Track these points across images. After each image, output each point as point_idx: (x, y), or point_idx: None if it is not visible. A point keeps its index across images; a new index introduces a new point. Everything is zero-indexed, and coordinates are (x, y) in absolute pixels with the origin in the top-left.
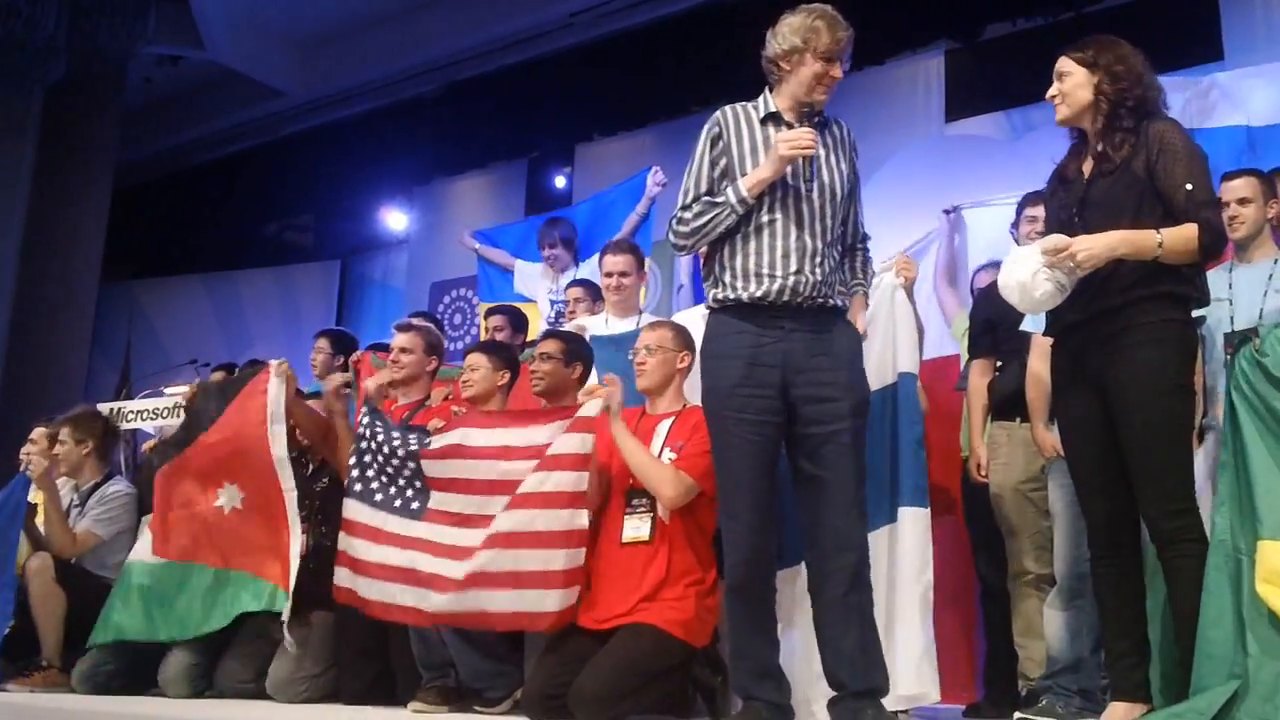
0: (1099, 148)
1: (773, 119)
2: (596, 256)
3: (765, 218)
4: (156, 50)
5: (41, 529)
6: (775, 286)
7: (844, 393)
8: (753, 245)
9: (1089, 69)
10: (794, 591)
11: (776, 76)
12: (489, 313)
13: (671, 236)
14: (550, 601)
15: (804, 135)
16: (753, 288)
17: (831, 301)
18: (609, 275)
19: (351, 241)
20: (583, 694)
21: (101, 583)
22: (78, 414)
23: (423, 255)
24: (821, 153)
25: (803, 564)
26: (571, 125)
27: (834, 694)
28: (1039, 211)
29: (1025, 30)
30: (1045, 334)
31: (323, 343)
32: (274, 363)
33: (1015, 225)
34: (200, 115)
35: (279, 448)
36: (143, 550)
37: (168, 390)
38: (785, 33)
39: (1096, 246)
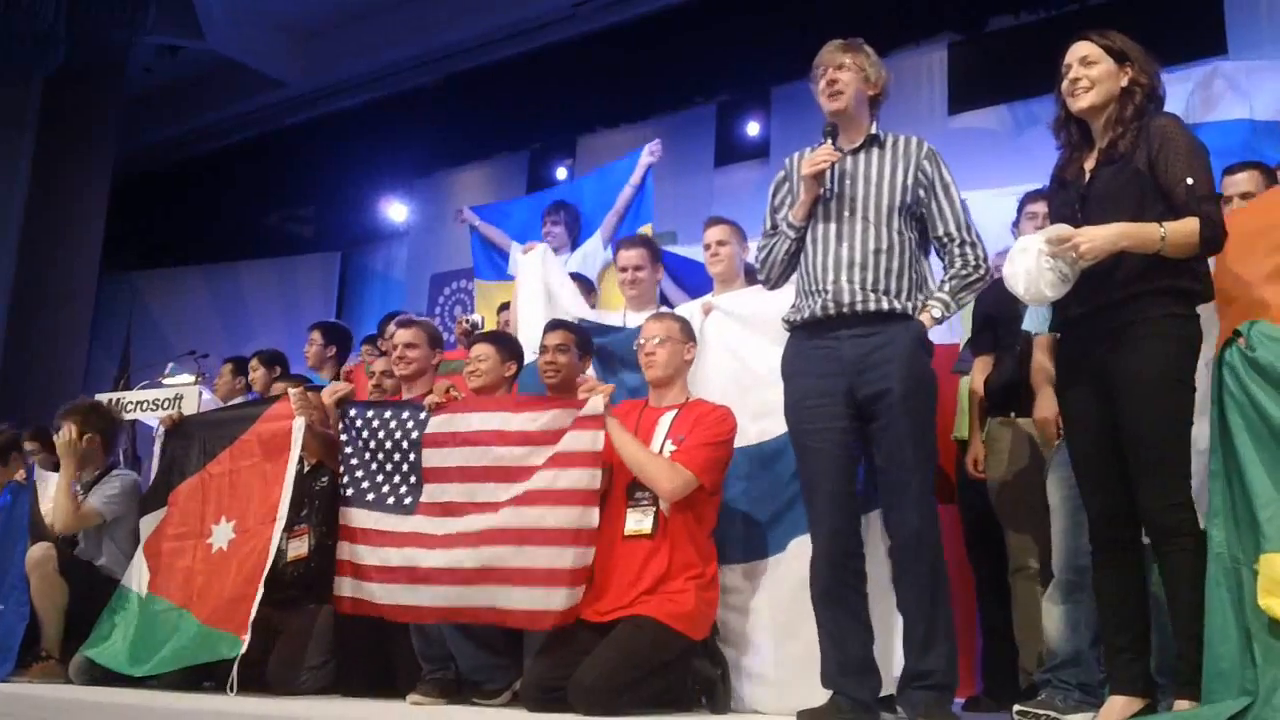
0: (1107, 140)
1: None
2: (597, 239)
3: (810, 237)
4: (156, 40)
5: (44, 511)
6: (818, 303)
7: (897, 383)
8: (804, 265)
9: (1118, 60)
10: (754, 586)
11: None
12: (501, 307)
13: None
14: (557, 600)
15: (819, 153)
16: (804, 308)
17: (883, 306)
18: (624, 270)
19: (352, 233)
20: (582, 686)
21: (102, 575)
22: (83, 407)
23: (423, 247)
24: (860, 169)
25: (768, 559)
26: (573, 117)
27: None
28: (1040, 208)
29: (1028, 23)
30: (1050, 328)
31: (315, 335)
32: (293, 394)
33: (1016, 223)
34: (200, 106)
35: (290, 477)
36: (140, 580)
37: (166, 381)
38: None
39: (1100, 238)
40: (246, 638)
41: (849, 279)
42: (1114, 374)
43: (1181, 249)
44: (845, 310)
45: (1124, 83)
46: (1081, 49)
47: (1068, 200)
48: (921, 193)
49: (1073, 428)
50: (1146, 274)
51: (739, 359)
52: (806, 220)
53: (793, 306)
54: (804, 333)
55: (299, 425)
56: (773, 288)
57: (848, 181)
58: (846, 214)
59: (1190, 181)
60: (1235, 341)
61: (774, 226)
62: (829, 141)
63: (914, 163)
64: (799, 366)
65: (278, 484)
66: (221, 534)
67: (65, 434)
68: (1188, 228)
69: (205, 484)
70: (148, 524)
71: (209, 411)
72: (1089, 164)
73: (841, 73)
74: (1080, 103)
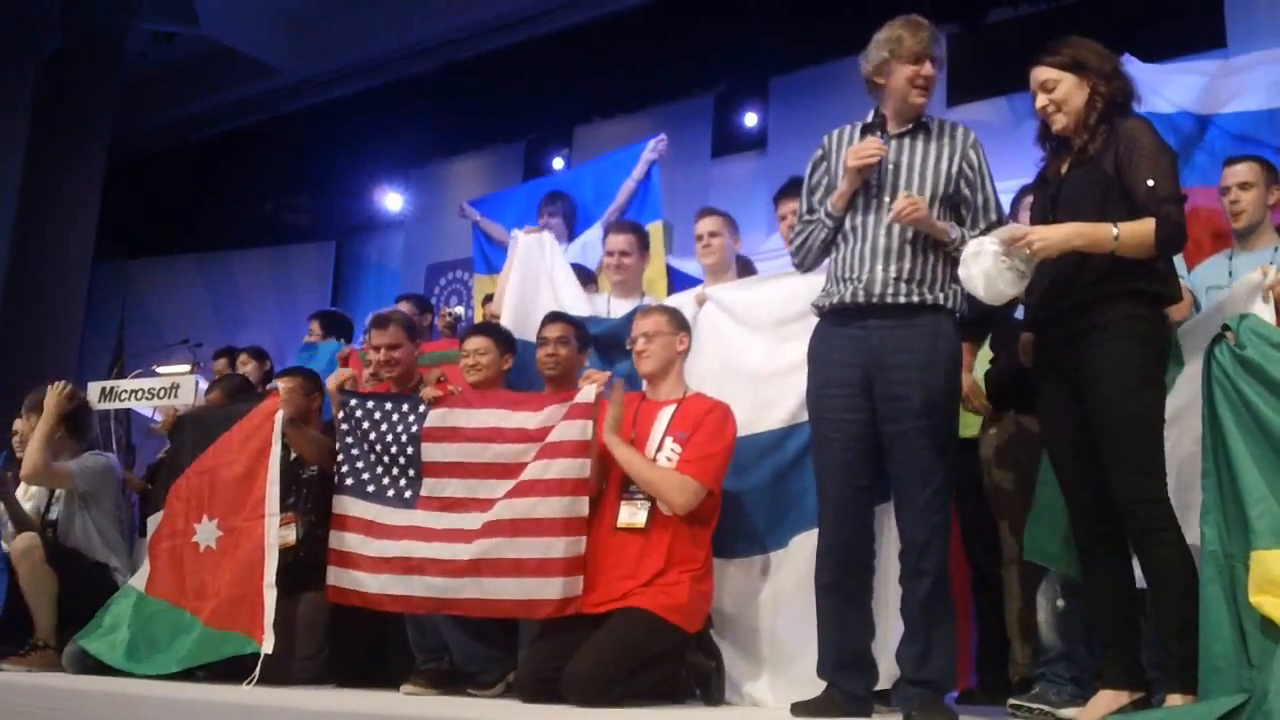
0: (1078, 145)
1: (869, 130)
2: (597, 230)
3: (849, 224)
4: (151, 26)
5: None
6: (849, 290)
7: (916, 390)
8: (840, 252)
9: (1076, 73)
10: (754, 581)
11: (877, 94)
12: (486, 299)
13: (790, 257)
14: (551, 589)
15: (867, 146)
16: (835, 293)
17: (913, 299)
18: (610, 254)
19: (347, 222)
20: (576, 678)
21: (90, 560)
22: (40, 397)
23: (419, 236)
24: (904, 158)
25: (769, 554)
26: (570, 106)
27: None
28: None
29: (1028, 15)
30: (1021, 329)
31: (314, 324)
32: (283, 386)
33: (1013, 215)
34: (195, 92)
35: (275, 469)
36: (142, 578)
37: (160, 370)
38: (872, 50)
39: (1053, 236)
40: (267, 641)
41: (883, 268)
42: (1082, 374)
43: (1137, 249)
44: (875, 300)
45: (1086, 94)
46: (1039, 75)
47: (1041, 202)
48: (964, 183)
49: (1047, 425)
50: (1109, 276)
51: (735, 351)
52: (846, 210)
53: (823, 291)
54: (833, 319)
55: (279, 417)
56: (805, 272)
57: (890, 168)
58: (887, 200)
59: (1151, 183)
60: (1224, 338)
61: (810, 210)
62: (877, 134)
63: (959, 152)
64: (824, 353)
65: (260, 477)
66: (206, 533)
67: (55, 388)
68: (1144, 228)
69: (190, 483)
70: (152, 524)
71: (200, 409)
72: (1064, 167)
73: (929, 66)
74: (1056, 126)
